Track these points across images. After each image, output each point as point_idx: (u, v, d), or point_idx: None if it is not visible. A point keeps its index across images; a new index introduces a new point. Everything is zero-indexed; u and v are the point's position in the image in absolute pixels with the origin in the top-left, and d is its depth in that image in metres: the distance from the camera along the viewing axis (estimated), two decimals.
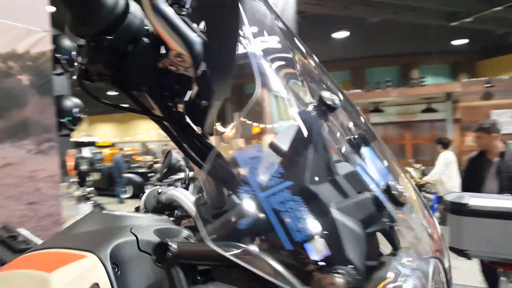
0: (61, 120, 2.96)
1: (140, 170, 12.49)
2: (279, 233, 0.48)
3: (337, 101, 0.63)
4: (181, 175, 1.45)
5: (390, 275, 0.52)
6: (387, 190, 0.60)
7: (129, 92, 0.59)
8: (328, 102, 0.61)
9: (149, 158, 15.57)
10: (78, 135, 12.63)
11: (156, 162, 13.10)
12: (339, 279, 0.46)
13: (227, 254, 0.47)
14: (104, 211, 0.70)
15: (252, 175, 0.53)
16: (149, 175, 11.47)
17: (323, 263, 0.48)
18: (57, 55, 2.93)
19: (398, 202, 0.59)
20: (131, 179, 11.70)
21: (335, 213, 0.51)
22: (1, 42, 2.52)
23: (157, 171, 13.59)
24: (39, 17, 2.69)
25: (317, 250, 0.48)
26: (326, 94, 0.63)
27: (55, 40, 2.91)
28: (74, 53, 3.04)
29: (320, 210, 0.52)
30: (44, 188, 2.71)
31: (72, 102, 3.11)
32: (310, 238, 0.48)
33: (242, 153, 0.57)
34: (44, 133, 2.75)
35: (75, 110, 3.08)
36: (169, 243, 0.57)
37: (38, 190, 2.68)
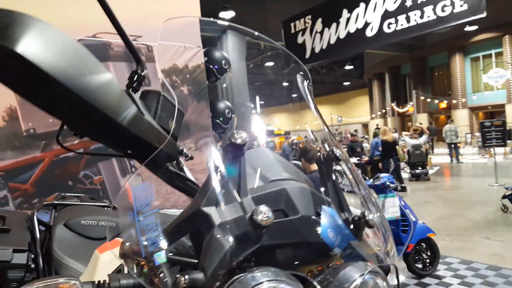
0: (216, 120, 3.34)
1: None
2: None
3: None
4: None
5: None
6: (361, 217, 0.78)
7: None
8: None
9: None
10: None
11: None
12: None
13: None
14: None
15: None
16: None
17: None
18: (209, 65, 3.37)
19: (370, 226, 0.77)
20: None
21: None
22: (165, 60, 3.19)
23: None
24: (193, 36, 3.23)
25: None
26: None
27: (206, 53, 3.36)
28: (223, 62, 3.40)
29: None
30: (202, 179, 3.13)
31: (224, 104, 3.46)
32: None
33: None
34: (203, 131, 3.20)
35: (227, 111, 3.40)
36: None
37: (197, 180, 3.13)
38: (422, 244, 4.51)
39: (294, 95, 1.11)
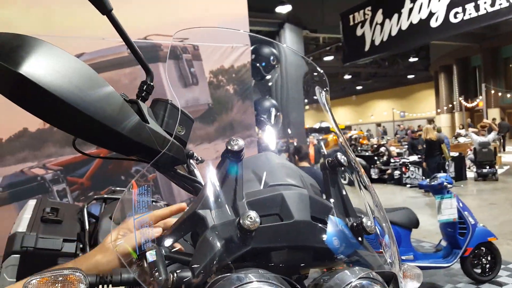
0: (261, 117, 3.38)
1: (365, 154, 12.83)
2: None
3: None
4: None
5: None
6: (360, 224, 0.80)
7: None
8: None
9: (373, 141, 16.74)
10: (314, 123, 13.14)
11: (381, 145, 12.50)
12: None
13: None
14: None
15: None
16: (375, 158, 12.00)
17: None
18: (256, 63, 3.40)
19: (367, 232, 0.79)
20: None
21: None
22: (212, 61, 3.28)
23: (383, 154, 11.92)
24: (240, 35, 3.26)
25: None
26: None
27: (254, 50, 3.40)
28: (272, 58, 3.42)
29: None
30: None
31: (270, 102, 3.47)
32: None
33: None
34: (246, 130, 3.26)
35: (272, 108, 3.42)
36: None
37: None
38: (482, 248, 4.26)
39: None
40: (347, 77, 30.39)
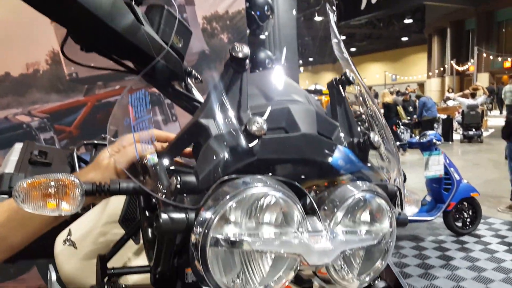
0: (255, 71, 3.34)
1: None
2: None
3: None
4: None
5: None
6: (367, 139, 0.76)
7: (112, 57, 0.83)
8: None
9: None
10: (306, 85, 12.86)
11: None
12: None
13: None
14: None
15: None
16: None
17: None
18: (250, 11, 3.32)
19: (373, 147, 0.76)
20: None
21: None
22: (206, 6, 3.19)
23: None
24: None
25: None
26: None
27: None
28: (266, 8, 3.34)
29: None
30: None
31: (265, 54, 3.43)
32: None
33: None
34: None
35: (267, 61, 3.38)
36: None
37: None
38: (465, 203, 4.42)
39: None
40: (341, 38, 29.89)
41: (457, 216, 4.44)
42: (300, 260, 0.63)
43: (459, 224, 4.44)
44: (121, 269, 0.96)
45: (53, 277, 1.41)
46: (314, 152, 0.72)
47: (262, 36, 3.80)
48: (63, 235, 1.18)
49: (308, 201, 0.69)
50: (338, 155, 0.75)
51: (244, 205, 0.60)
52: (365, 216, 0.71)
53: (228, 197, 0.58)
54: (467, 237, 4.39)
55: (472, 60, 22.94)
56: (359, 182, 0.71)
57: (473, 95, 10.94)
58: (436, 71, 27.92)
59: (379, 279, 0.82)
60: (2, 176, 1.39)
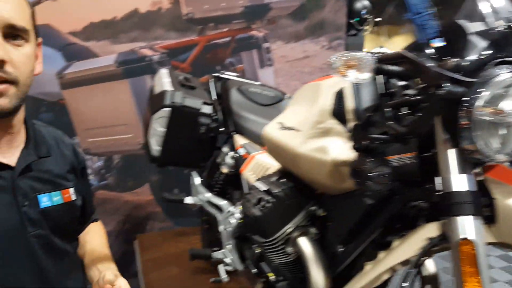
0: (350, 21, 2.72)
1: None
2: None
3: None
4: None
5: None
6: None
7: None
8: None
9: None
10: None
11: None
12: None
13: None
14: None
15: None
16: None
17: None
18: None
19: None
20: None
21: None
22: None
23: None
24: None
25: None
26: None
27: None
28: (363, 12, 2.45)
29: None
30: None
31: (361, 4, 2.62)
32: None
33: None
34: (336, 32, 2.81)
35: (363, 11, 2.62)
36: None
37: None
38: None
39: None
40: None
41: None
42: None
43: None
44: None
45: (196, 181, 1.77)
46: None
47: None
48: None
49: None
50: None
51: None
52: None
53: (502, 75, 0.65)
54: None
55: None
56: None
57: None
58: None
59: None
60: (165, 92, 1.66)
